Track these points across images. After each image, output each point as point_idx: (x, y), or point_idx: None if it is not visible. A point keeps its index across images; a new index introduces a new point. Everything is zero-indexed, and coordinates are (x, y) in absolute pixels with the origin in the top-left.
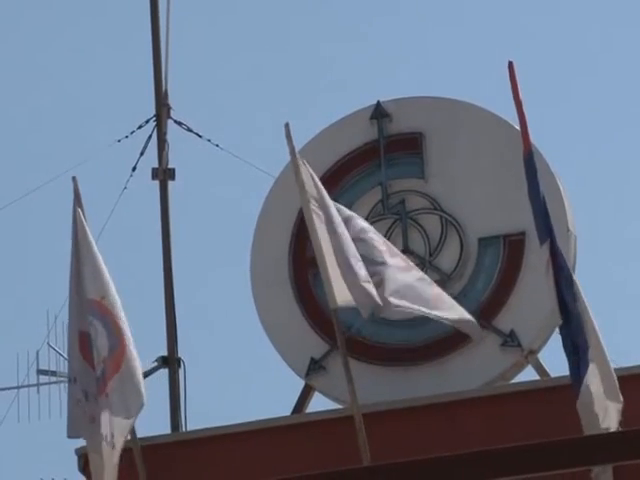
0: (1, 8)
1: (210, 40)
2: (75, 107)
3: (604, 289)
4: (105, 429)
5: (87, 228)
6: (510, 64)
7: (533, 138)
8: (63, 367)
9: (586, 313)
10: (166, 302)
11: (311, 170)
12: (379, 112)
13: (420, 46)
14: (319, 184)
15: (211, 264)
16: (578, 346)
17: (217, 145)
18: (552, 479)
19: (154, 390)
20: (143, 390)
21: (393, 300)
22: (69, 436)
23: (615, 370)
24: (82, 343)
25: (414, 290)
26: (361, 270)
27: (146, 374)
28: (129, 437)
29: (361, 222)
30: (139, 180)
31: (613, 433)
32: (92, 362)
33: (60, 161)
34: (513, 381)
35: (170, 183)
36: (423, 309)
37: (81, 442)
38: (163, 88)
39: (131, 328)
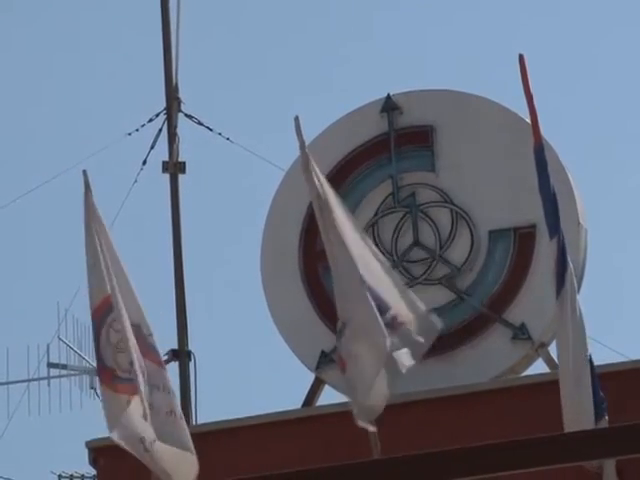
0: (16, 2)
1: (220, 33)
2: (85, 100)
3: (610, 284)
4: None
5: (103, 220)
6: (521, 57)
7: (543, 131)
8: (73, 360)
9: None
10: (176, 295)
11: (318, 170)
12: (389, 105)
13: (431, 39)
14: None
15: (221, 257)
16: None
17: (227, 138)
18: (559, 473)
19: None
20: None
21: None
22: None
23: (624, 364)
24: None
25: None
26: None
27: None
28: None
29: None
30: (149, 173)
31: (619, 426)
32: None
33: (71, 154)
34: (523, 374)
35: (180, 176)
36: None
37: (91, 435)
38: (173, 81)
39: None
